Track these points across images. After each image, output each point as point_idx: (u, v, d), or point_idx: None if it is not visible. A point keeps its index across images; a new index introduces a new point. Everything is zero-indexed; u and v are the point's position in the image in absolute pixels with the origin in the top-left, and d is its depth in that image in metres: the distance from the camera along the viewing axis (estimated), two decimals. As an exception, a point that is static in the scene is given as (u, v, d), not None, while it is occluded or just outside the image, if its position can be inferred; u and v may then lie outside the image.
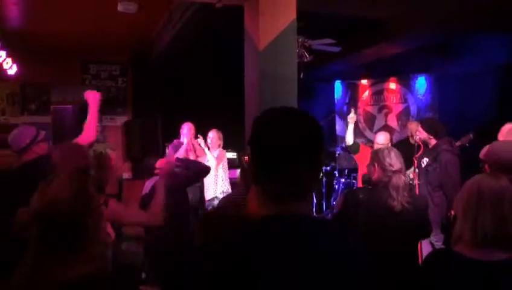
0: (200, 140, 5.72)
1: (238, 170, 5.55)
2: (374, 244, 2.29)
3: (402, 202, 2.59)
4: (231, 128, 6.08)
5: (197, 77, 8.53)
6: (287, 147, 1.15)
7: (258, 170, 1.19)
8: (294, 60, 4.31)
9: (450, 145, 4.48)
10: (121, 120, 8.63)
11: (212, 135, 5.80)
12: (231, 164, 6.63)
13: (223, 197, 3.97)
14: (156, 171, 3.57)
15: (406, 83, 9.20)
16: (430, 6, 5.58)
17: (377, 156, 2.78)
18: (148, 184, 4.24)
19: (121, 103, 8.75)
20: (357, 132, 9.69)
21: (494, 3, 5.49)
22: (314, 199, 8.23)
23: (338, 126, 9.92)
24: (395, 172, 2.64)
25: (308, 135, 1.18)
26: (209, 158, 5.67)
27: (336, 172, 8.43)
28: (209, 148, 5.78)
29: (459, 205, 1.86)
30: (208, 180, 5.70)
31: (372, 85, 9.65)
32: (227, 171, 6.06)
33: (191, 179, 4.34)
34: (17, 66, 7.53)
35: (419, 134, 4.68)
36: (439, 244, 4.25)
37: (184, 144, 5.47)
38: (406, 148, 5.02)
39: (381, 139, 5.03)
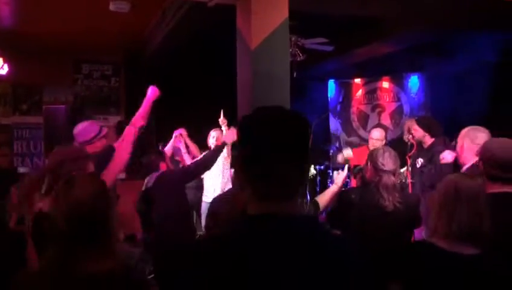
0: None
1: (233, 169, 5.50)
2: (366, 245, 2.31)
3: (393, 202, 2.59)
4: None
5: (190, 76, 8.50)
6: (274, 146, 1.14)
7: (244, 169, 1.19)
8: (287, 59, 4.30)
9: (444, 146, 4.48)
10: (114, 120, 8.58)
11: (216, 134, 5.55)
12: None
13: (217, 196, 3.95)
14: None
15: (399, 81, 9.23)
16: (423, 6, 5.59)
17: (371, 155, 2.79)
18: (150, 180, 4.25)
19: (113, 103, 8.71)
20: (351, 131, 9.74)
21: (486, 1, 5.51)
22: (308, 198, 8.23)
23: (332, 125, 9.94)
24: (385, 172, 2.63)
25: (295, 134, 1.17)
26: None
27: (330, 171, 8.43)
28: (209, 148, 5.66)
29: (435, 201, 1.95)
30: (213, 181, 5.59)
31: (365, 84, 9.67)
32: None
33: (189, 172, 4.26)
34: (8, 66, 7.49)
35: (415, 132, 4.68)
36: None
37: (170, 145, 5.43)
38: (399, 146, 5.03)
39: (377, 134, 5.10)
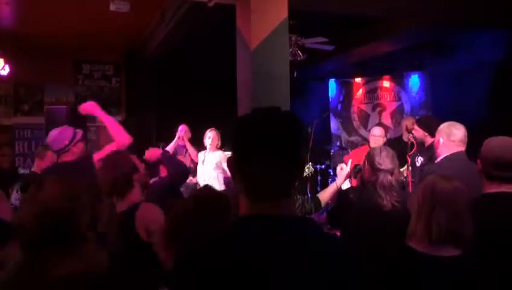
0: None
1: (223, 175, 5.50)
2: (364, 244, 2.30)
3: (391, 201, 2.58)
4: (224, 128, 6.05)
5: (190, 75, 8.51)
6: (265, 147, 1.15)
7: (238, 170, 1.19)
8: (287, 59, 4.31)
9: None
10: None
11: (212, 134, 5.56)
12: (226, 164, 6.53)
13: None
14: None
15: (400, 81, 9.22)
16: (423, 5, 5.59)
17: (368, 155, 2.78)
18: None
19: (114, 103, 8.72)
20: (352, 130, 9.74)
21: (486, 0, 5.50)
22: (309, 196, 8.22)
23: (332, 125, 9.94)
24: (382, 171, 2.63)
25: (287, 135, 1.17)
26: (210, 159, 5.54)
27: (331, 170, 8.43)
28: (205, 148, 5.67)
29: (414, 203, 1.97)
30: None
31: (366, 83, 9.66)
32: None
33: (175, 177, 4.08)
34: (9, 66, 7.50)
35: (415, 132, 4.67)
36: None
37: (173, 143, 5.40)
38: (399, 146, 5.03)
39: (378, 132, 5.14)
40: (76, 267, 1.55)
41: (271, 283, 1.07)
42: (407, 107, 9.08)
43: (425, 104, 8.80)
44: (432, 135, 4.55)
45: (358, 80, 9.72)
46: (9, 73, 7.54)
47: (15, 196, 4.32)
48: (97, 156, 3.22)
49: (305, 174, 6.46)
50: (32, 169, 4.83)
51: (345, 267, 1.16)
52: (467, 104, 6.92)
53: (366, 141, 7.38)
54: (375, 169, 2.66)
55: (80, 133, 3.43)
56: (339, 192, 3.02)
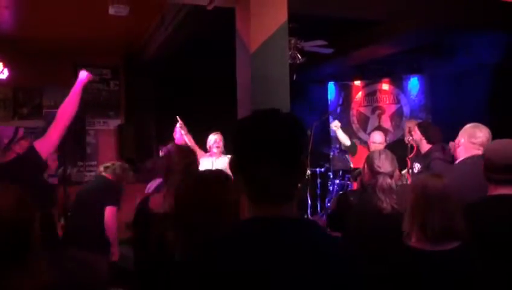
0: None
1: None
2: (364, 247, 2.30)
3: (391, 204, 2.58)
4: (224, 131, 6.03)
5: (189, 78, 8.50)
6: (265, 149, 1.14)
7: (239, 172, 1.19)
8: (286, 62, 4.30)
9: (442, 153, 4.42)
10: (113, 123, 8.58)
11: (218, 137, 5.30)
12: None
13: None
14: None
15: (399, 83, 9.23)
16: (422, 7, 5.59)
17: (367, 158, 2.79)
18: (151, 186, 4.22)
19: (113, 106, 8.70)
20: (351, 133, 9.71)
21: (485, 2, 5.51)
22: (309, 201, 8.22)
23: (332, 127, 9.92)
24: (381, 174, 2.63)
25: (287, 137, 1.17)
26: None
27: (330, 173, 8.43)
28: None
29: (407, 204, 2.02)
30: None
31: (365, 86, 9.67)
32: None
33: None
34: (8, 70, 7.49)
35: (414, 134, 4.67)
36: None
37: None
38: (400, 148, 5.02)
39: (379, 138, 5.09)
40: (27, 284, 1.43)
41: (271, 285, 1.06)
42: (406, 110, 9.08)
43: (424, 106, 8.80)
44: (428, 140, 4.54)
45: (357, 82, 9.72)
46: (8, 77, 7.53)
47: None
48: (38, 144, 3.22)
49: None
50: None
51: (346, 270, 1.15)
52: (466, 107, 6.92)
53: (364, 144, 7.38)
54: (374, 172, 2.66)
55: (21, 131, 3.32)
56: (339, 195, 3.02)
